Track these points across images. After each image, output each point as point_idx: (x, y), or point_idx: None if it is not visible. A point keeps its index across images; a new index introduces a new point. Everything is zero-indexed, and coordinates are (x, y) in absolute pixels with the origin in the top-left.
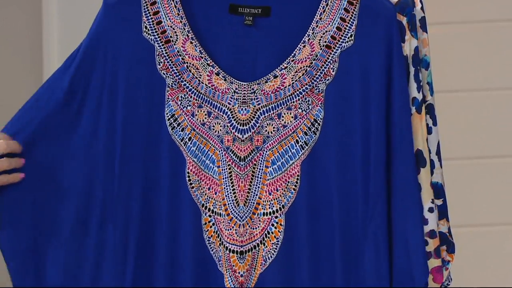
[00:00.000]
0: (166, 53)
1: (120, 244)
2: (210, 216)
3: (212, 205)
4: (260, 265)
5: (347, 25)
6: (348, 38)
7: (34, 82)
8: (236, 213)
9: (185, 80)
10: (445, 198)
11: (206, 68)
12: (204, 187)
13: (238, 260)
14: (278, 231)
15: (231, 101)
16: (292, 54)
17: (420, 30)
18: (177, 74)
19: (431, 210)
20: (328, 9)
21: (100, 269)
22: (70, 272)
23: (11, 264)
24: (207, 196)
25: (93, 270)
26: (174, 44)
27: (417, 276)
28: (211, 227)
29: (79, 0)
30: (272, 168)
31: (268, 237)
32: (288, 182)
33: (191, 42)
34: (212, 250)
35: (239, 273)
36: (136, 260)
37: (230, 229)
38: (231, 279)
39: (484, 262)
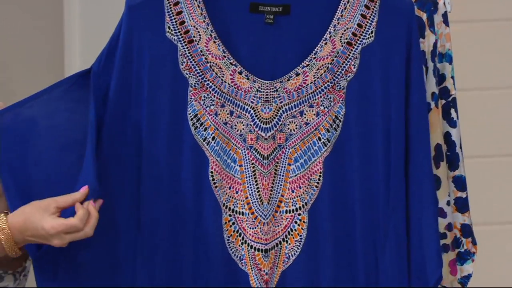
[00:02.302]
0: (189, 53)
1: (150, 245)
2: (230, 215)
3: (233, 205)
4: (282, 263)
5: (367, 22)
6: (369, 34)
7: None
8: (261, 211)
9: (208, 80)
10: (467, 191)
11: (229, 67)
12: (225, 186)
13: (263, 258)
14: (301, 228)
15: (254, 99)
16: (314, 52)
17: (443, 25)
18: (200, 74)
19: (448, 203)
20: (349, 6)
21: (135, 271)
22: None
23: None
24: (228, 196)
25: (131, 272)
26: (197, 44)
27: (429, 267)
28: (230, 226)
29: (101, 1)
30: (295, 166)
31: (291, 235)
32: (311, 179)
33: (214, 42)
34: (231, 250)
35: (264, 271)
36: (165, 260)
37: (255, 228)
38: (256, 277)
39: (497, 260)
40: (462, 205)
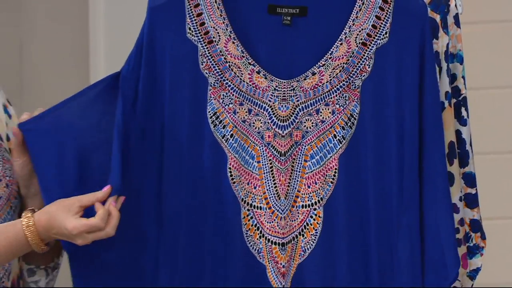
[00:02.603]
0: (209, 53)
1: (171, 240)
2: (248, 210)
3: (251, 199)
4: (299, 256)
5: (382, 23)
6: (383, 35)
7: (80, 84)
8: (278, 206)
9: (227, 79)
10: (476, 187)
11: (247, 67)
12: (243, 182)
13: (280, 252)
14: (317, 222)
15: (271, 98)
16: (330, 52)
17: (454, 26)
18: (220, 73)
19: (461, 199)
20: (364, 7)
21: (157, 266)
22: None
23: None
24: (246, 191)
25: (153, 269)
26: (217, 44)
27: (449, 264)
28: (249, 220)
29: (126, 2)
30: (311, 162)
31: (307, 229)
32: (326, 175)
33: (233, 42)
34: (250, 243)
35: (281, 264)
36: (186, 254)
37: (272, 222)
38: (273, 270)
39: (507, 254)
40: (471, 201)
